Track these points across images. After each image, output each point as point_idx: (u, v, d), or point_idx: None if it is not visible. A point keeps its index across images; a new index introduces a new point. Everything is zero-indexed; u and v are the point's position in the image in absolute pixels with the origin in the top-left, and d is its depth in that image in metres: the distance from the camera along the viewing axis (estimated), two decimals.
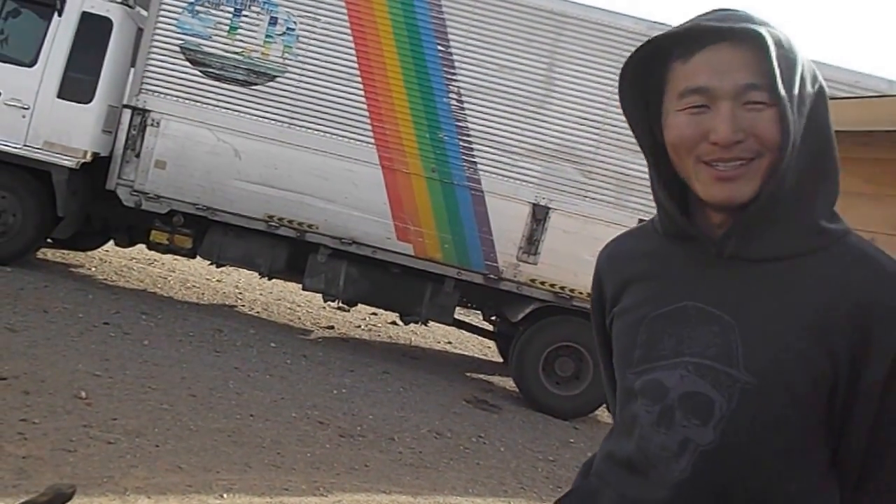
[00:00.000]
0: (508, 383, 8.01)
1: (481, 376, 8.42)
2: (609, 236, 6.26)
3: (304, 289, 7.76)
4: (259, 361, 6.62)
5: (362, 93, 7.37)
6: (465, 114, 7.34)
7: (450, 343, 9.77)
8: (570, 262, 7.32)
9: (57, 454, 4.08)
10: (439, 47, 7.31)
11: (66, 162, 7.53)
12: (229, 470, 4.41)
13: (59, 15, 7.59)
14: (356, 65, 7.38)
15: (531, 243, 7.37)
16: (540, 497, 5.20)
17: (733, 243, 1.16)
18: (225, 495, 4.12)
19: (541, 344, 7.43)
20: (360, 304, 8.26)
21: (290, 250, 7.66)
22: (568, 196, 7.36)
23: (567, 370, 7.42)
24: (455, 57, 7.32)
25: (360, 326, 9.40)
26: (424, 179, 7.36)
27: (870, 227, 2.27)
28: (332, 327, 8.87)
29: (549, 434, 6.75)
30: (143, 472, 4.14)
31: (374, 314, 9.91)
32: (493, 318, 8.30)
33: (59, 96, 7.55)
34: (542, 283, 7.39)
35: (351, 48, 7.37)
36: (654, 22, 7.07)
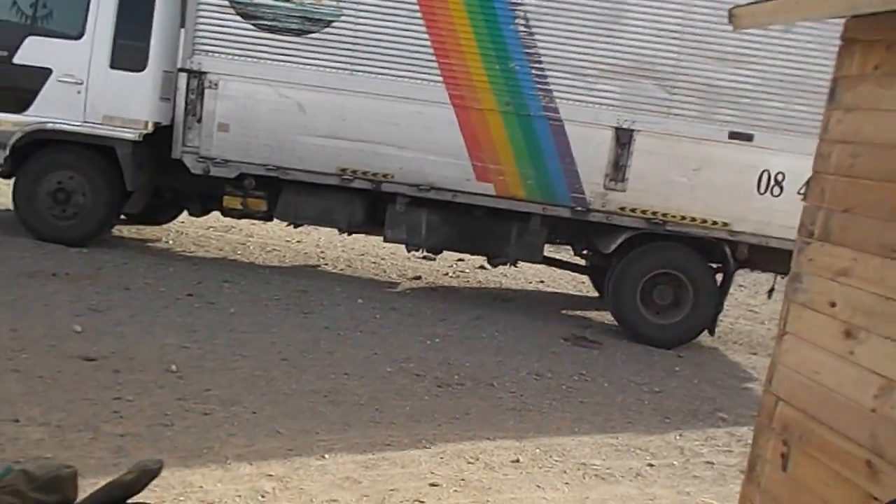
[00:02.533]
0: (606, 317, 8.29)
1: (578, 313, 8.71)
2: (699, 154, 6.56)
3: (385, 241, 8.08)
4: (348, 319, 6.99)
5: (424, 29, 7.48)
6: (534, 40, 7.41)
7: (542, 282, 10.06)
8: (660, 185, 7.47)
9: (154, 429, 4.38)
10: None
11: (128, 135, 7.87)
12: (329, 430, 4.70)
13: None
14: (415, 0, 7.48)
15: (617, 169, 7.51)
16: (648, 429, 5.49)
17: None
18: (326, 456, 4.38)
19: (637, 273, 7.64)
20: (445, 251, 8.57)
21: (367, 203, 7.94)
22: (651, 115, 7.44)
23: (666, 298, 7.64)
24: None
25: (447, 274, 9.74)
26: (499, 114, 7.51)
27: None
28: (419, 277, 9.22)
29: (653, 365, 7.04)
30: (243, 439, 4.41)
31: (461, 260, 10.20)
32: (585, 251, 8.51)
33: (111, 67, 7.84)
34: (633, 210, 7.55)
35: None
36: None
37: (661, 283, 7.66)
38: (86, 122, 7.88)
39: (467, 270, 10.01)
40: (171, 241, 9.32)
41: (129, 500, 2.53)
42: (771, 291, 7.97)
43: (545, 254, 8.17)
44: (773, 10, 2.85)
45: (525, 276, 10.11)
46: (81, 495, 2.47)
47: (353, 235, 8.90)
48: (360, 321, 6.96)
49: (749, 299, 10.60)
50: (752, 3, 2.94)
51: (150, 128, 7.90)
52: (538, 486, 4.41)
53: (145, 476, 2.55)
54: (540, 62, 7.43)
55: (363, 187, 7.75)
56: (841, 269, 2.71)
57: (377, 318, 7.12)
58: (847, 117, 2.79)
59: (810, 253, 2.90)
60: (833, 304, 2.74)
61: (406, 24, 7.49)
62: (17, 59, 7.85)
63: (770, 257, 7.39)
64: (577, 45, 7.40)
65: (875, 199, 2.50)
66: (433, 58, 7.49)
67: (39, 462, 3.37)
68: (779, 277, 7.70)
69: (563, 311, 8.72)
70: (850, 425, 2.60)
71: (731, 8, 3.03)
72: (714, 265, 7.76)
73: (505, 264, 8.22)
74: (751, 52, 7.22)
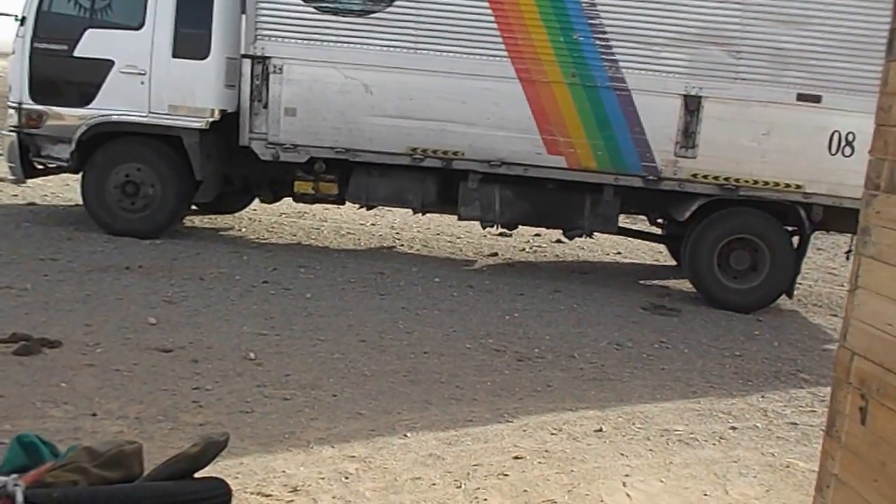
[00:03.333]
0: (685, 285, 9.27)
1: (656, 282, 9.70)
2: (768, 118, 7.75)
3: (460, 219, 9.09)
4: (425, 298, 7.88)
5: (487, 4, 8.42)
6: (597, 10, 8.33)
7: (619, 253, 11.10)
8: (731, 150, 8.39)
9: (234, 417, 4.80)
10: None
11: (194, 123, 8.89)
12: (410, 409, 5.17)
13: None
14: None
15: (687, 137, 8.45)
16: (730, 392, 6.16)
17: None
18: (409, 434, 4.82)
19: (712, 240, 8.59)
20: (520, 227, 9.60)
21: (439, 181, 8.94)
22: (719, 81, 8.35)
23: (743, 263, 8.59)
24: None
25: (524, 249, 10.79)
26: (566, 86, 8.46)
27: None
28: (495, 254, 10.25)
29: (733, 329, 7.91)
30: (324, 423, 4.84)
31: (538, 235, 11.26)
32: (660, 220, 9.54)
33: (174, 56, 8.84)
34: (705, 176, 8.49)
35: None
36: None
37: (737, 248, 8.60)
38: (151, 112, 8.89)
39: (544, 245, 11.06)
40: (243, 230, 10.39)
41: (196, 474, 2.68)
42: (849, 253, 8.83)
43: (620, 224, 9.18)
44: None
45: (602, 247, 11.16)
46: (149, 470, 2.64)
47: (428, 215, 9.94)
48: (437, 300, 7.82)
49: (828, 262, 11.56)
50: None
51: (217, 115, 8.90)
52: (622, 454, 4.86)
53: (212, 448, 2.67)
54: (604, 32, 8.35)
55: (434, 166, 8.73)
56: None
57: (454, 297, 8.02)
58: None
59: (877, 206, 3.30)
60: None
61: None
62: (77, 53, 8.86)
63: (845, 218, 8.16)
64: (641, 14, 8.30)
65: None
66: (497, 32, 8.43)
67: (105, 440, 3.56)
68: (856, 238, 8.55)
69: (641, 281, 9.71)
70: None
71: None
72: (790, 228, 8.68)
73: (581, 236, 9.23)
74: (815, 13, 8.09)
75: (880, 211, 3.44)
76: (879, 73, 7.23)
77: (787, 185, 8.41)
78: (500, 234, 10.94)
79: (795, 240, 8.70)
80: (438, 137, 8.63)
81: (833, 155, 8.28)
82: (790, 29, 8.17)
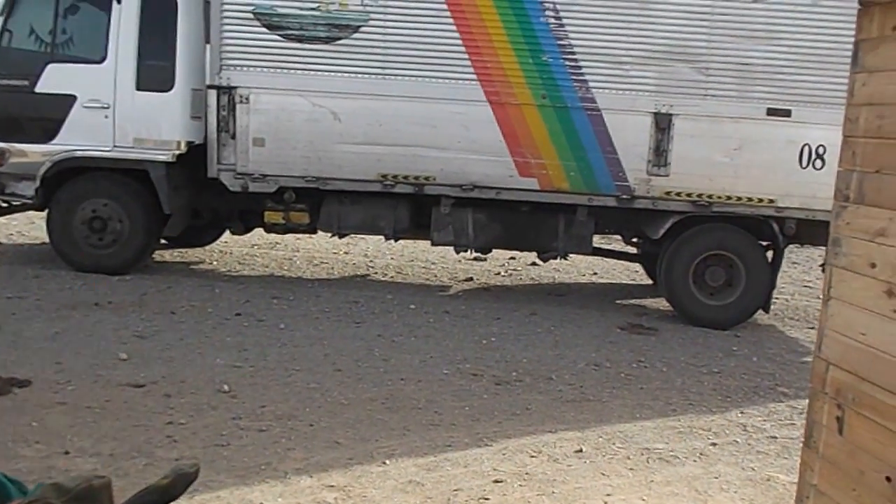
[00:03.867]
0: (662, 304, 9.33)
1: (633, 301, 9.76)
2: (739, 133, 7.90)
3: (433, 244, 9.12)
4: (401, 325, 7.89)
5: (454, 28, 8.48)
6: (565, 31, 8.43)
7: (595, 274, 11.17)
8: (703, 167, 8.48)
9: (210, 450, 4.84)
10: None
11: (161, 156, 8.87)
12: (388, 436, 5.23)
13: (118, 2, 8.80)
14: None
15: (659, 154, 8.54)
16: (710, 409, 6.22)
17: None
18: (387, 461, 4.89)
19: (687, 257, 8.67)
20: (494, 250, 9.61)
21: (411, 207, 8.97)
22: (689, 98, 8.45)
23: (718, 279, 8.66)
24: None
25: (499, 273, 10.82)
26: (536, 108, 8.53)
27: None
28: (470, 279, 10.29)
29: (711, 346, 7.98)
30: (301, 453, 4.90)
31: (513, 258, 11.33)
32: (635, 239, 9.62)
33: (138, 88, 8.84)
34: (678, 193, 8.58)
35: None
36: None
37: (712, 264, 8.68)
38: (116, 146, 8.86)
39: (519, 268, 11.11)
40: (215, 263, 10.37)
41: None
42: (824, 265, 8.91)
43: (595, 245, 9.23)
44: None
45: (578, 268, 11.22)
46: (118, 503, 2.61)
47: (402, 242, 9.95)
48: (413, 327, 7.84)
49: (803, 275, 11.70)
50: None
51: (183, 148, 8.89)
52: (603, 474, 4.95)
53: (182, 480, 2.69)
54: (573, 53, 8.44)
55: (406, 192, 8.75)
56: (878, 230, 3.19)
57: (430, 323, 8.04)
58: (871, 79, 3.47)
59: (847, 216, 3.40)
60: (873, 265, 3.19)
61: (435, 23, 8.46)
62: (39, 88, 8.82)
63: (818, 231, 8.23)
64: (609, 34, 8.40)
65: None
66: (466, 56, 8.50)
67: (72, 475, 3.59)
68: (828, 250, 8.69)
69: (618, 301, 9.75)
70: None
71: None
72: (764, 243, 8.78)
73: (556, 258, 9.27)
74: (781, 28, 8.23)
75: (850, 222, 3.51)
76: (846, 86, 7.37)
77: (760, 200, 8.51)
78: (475, 259, 10.99)
79: (770, 254, 8.79)
80: (409, 163, 8.67)
81: (804, 168, 8.40)
82: (757, 44, 8.30)
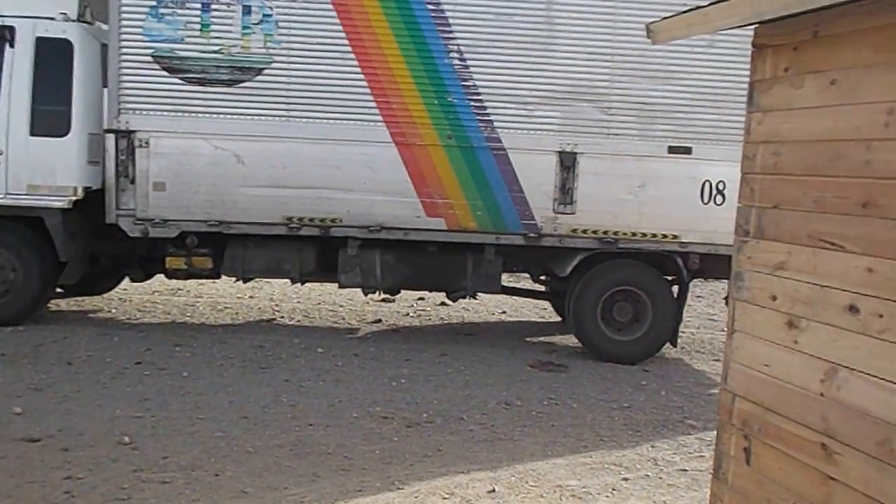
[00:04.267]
0: (571, 340, 9.37)
1: (542, 339, 9.78)
2: (642, 171, 8.05)
3: (340, 287, 8.99)
4: (309, 370, 7.76)
5: (358, 69, 8.46)
6: (470, 72, 8.49)
7: (504, 312, 11.17)
8: (608, 204, 8.60)
9: None
10: (429, 6, 8.41)
11: (56, 203, 8.56)
12: (297, 483, 5.16)
13: (11, 46, 8.54)
14: (346, 40, 8.44)
15: (565, 193, 8.62)
16: (620, 444, 6.30)
17: None
18: None
19: (595, 293, 8.75)
20: (403, 291, 9.53)
21: (317, 250, 8.84)
22: (592, 137, 8.58)
23: (626, 314, 8.77)
24: (448, 14, 8.43)
25: (408, 314, 10.74)
26: (442, 148, 8.54)
27: (884, 97, 3.25)
28: (379, 321, 10.18)
29: (620, 381, 8.05)
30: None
31: (421, 298, 11.27)
32: (543, 277, 9.66)
33: (32, 134, 8.54)
34: (584, 231, 8.66)
35: (336, 23, 8.42)
36: None
37: (619, 300, 8.79)
38: (9, 193, 8.53)
39: (428, 308, 11.05)
40: (114, 311, 10.01)
41: None
42: (727, 298, 9.15)
43: (504, 283, 9.26)
44: (686, 23, 3.73)
45: (487, 308, 11.23)
46: None
47: (308, 285, 9.79)
48: (321, 371, 7.72)
49: (708, 308, 11.97)
50: (665, 19, 3.86)
51: (80, 193, 8.60)
52: None
53: None
54: (478, 94, 8.50)
55: (312, 234, 8.63)
56: (778, 263, 3.36)
57: (339, 366, 7.92)
58: (766, 118, 3.64)
59: (748, 251, 3.57)
60: (774, 298, 3.35)
61: (339, 65, 8.43)
62: None
63: (721, 265, 8.37)
64: (513, 74, 8.49)
65: (799, 193, 3.41)
66: (370, 97, 8.47)
67: None
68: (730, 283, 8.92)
69: (528, 339, 9.77)
70: (803, 412, 3.07)
71: (649, 23, 3.95)
72: (669, 278, 8.93)
73: (465, 298, 9.23)
74: (680, 68, 8.47)
75: (751, 256, 3.61)
76: (741, 122, 7.58)
77: (665, 236, 8.66)
78: (383, 300, 10.91)
79: (675, 289, 8.94)
80: (315, 205, 8.55)
81: (706, 204, 8.60)
82: (657, 84, 8.50)
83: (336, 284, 9.02)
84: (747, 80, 3.82)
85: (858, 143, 3.16)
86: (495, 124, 8.54)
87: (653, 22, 3.85)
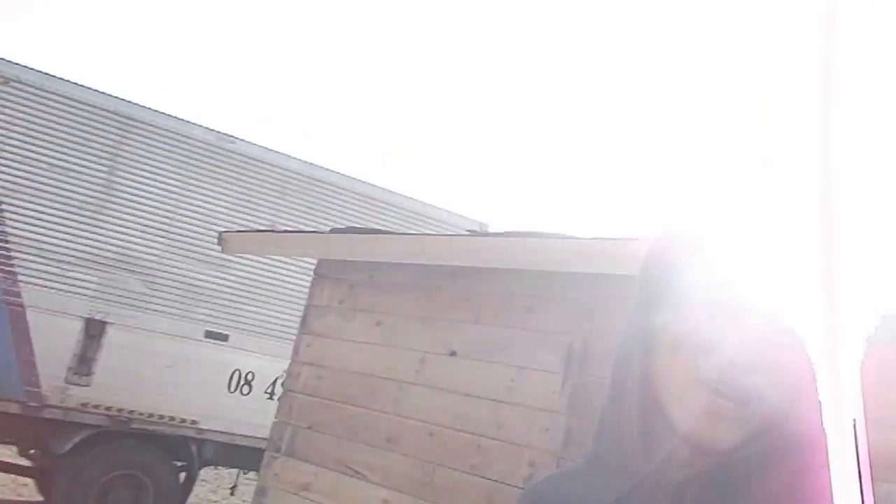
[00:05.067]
0: None
1: None
2: (174, 351, 7.90)
3: None
4: None
5: None
6: (2, 216, 7.77)
7: None
8: (130, 380, 8.12)
9: None
10: None
11: None
12: None
13: None
14: None
15: (83, 362, 8.01)
16: None
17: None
18: None
19: (94, 475, 8.02)
20: None
21: None
22: (129, 309, 8.18)
23: (123, 500, 8.13)
24: None
25: None
26: None
27: (419, 346, 3.64)
28: None
29: None
30: None
31: None
32: (33, 451, 8.47)
33: None
34: (97, 406, 8.03)
35: None
36: (225, 133, 8.48)
37: (119, 484, 8.13)
38: None
39: None
40: None
41: None
42: (234, 488, 9.03)
43: None
44: (261, 242, 3.97)
45: None
46: None
47: None
48: None
49: (210, 494, 11.53)
50: (241, 232, 4.03)
51: None
52: None
53: None
54: (6, 241, 7.77)
55: None
56: (303, 484, 3.45)
57: None
58: (315, 342, 3.89)
59: (276, 468, 3.62)
60: None
61: None
62: None
63: (236, 454, 8.41)
64: (54, 229, 7.89)
65: (335, 418, 3.63)
66: None
67: None
68: (242, 473, 8.82)
69: None
70: None
71: (223, 232, 4.04)
72: (179, 463, 8.55)
73: None
74: (233, 258, 8.55)
75: (278, 473, 3.65)
76: (282, 319, 7.83)
77: (184, 420, 8.37)
78: None
79: (183, 475, 8.58)
80: None
81: (232, 392, 8.53)
82: (207, 268, 8.44)
83: None
84: (293, 280, 4.00)
85: (392, 382, 3.43)
86: (18, 277, 7.80)
87: (226, 232, 3.94)
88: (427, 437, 3.31)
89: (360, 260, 3.45)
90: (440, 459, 3.25)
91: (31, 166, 7.90)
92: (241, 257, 8.50)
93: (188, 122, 8.46)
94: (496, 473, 3.09)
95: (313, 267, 4.05)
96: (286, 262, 8.52)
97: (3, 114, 7.81)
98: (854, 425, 0.74)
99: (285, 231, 3.60)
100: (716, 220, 1.02)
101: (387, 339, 3.45)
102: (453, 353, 3.40)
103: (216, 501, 11.22)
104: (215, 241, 8.21)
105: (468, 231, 8.45)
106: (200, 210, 8.39)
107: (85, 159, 8.10)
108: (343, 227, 6.66)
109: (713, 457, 1.01)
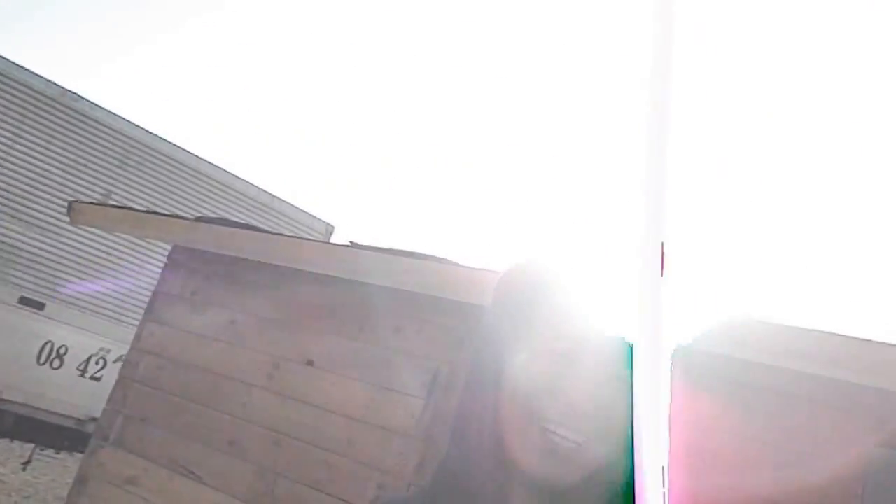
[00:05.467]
0: None
1: None
2: None
3: None
4: None
5: None
6: None
7: None
8: None
9: None
10: None
11: None
12: None
13: None
14: None
15: None
16: None
17: None
18: None
19: None
20: None
21: None
22: None
23: None
24: None
25: None
26: None
27: (272, 350, 3.54)
28: None
29: None
30: None
31: None
32: None
33: None
34: None
35: None
36: (70, 90, 7.97)
37: None
38: None
39: None
40: None
41: None
42: (26, 463, 8.52)
43: None
44: (117, 220, 3.69)
45: None
46: None
47: None
48: None
49: None
50: (96, 205, 3.78)
51: None
52: None
53: None
54: None
55: None
56: (129, 477, 3.27)
57: None
58: (160, 331, 3.68)
59: (102, 457, 3.40)
60: None
61: None
62: None
63: (36, 428, 7.98)
64: None
65: (171, 413, 3.44)
66: None
67: None
68: (38, 449, 8.32)
69: None
70: None
71: (73, 202, 3.76)
72: None
73: None
74: (61, 224, 8.02)
75: (104, 463, 3.47)
76: (109, 296, 7.39)
77: None
78: None
79: None
80: None
81: (41, 364, 8.12)
82: (31, 230, 7.93)
83: None
84: (128, 257, 3.81)
85: (241, 384, 3.31)
86: None
87: (77, 202, 3.70)
88: (272, 445, 3.20)
89: (222, 253, 3.30)
90: (284, 470, 3.14)
91: None
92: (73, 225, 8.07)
93: (29, 70, 7.90)
94: (342, 492, 3.01)
95: (157, 249, 3.86)
96: (123, 238, 8.13)
97: None
98: (663, 471, 0.79)
99: (148, 212, 3.39)
100: (560, 255, 1.08)
101: (240, 338, 3.32)
102: (310, 363, 3.30)
103: (3, 475, 10.49)
104: (42, 201, 7.77)
105: (320, 232, 8.30)
106: (29, 166, 7.87)
107: None
108: (200, 214, 6.38)
109: (552, 495, 1.05)
